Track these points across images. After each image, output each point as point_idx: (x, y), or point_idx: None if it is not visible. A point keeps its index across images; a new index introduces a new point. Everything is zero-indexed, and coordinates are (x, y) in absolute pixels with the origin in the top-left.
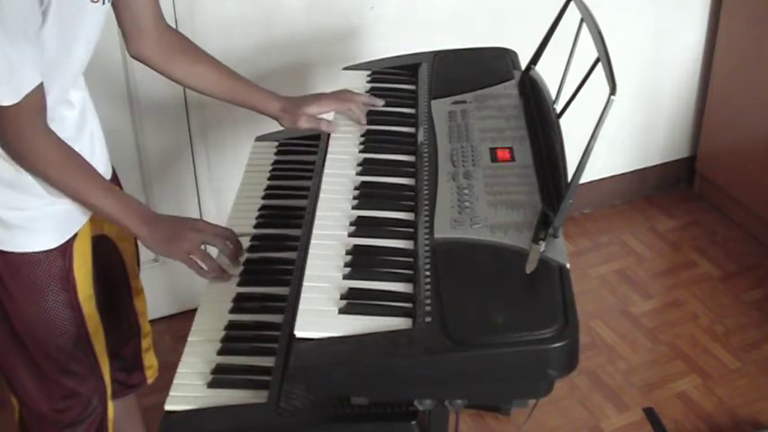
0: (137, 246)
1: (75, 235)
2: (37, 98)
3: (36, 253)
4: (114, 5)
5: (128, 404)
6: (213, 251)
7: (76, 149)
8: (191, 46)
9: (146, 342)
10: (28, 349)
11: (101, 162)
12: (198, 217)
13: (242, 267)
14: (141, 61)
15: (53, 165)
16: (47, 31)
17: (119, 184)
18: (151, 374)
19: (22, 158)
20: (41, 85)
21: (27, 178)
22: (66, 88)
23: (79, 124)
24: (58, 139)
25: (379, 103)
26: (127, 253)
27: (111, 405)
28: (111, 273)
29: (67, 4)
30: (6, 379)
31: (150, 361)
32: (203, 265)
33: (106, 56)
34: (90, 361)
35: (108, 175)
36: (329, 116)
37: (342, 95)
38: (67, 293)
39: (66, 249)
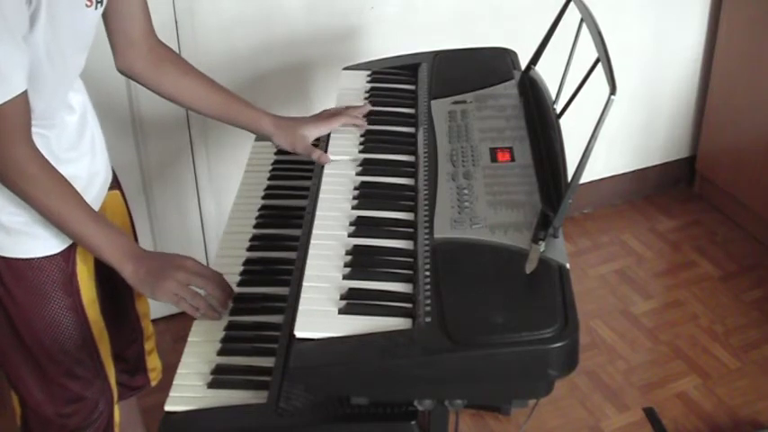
0: None
1: None
2: (21, 107)
3: (39, 258)
4: (104, 17)
5: (128, 405)
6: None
7: (78, 153)
8: (180, 61)
9: (149, 344)
10: (33, 353)
11: (101, 164)
12: (199, 217)
13: (231, 305)
14: (129, 76)
15: (35, 183)
16: (37, 35)
17: (119, 186)
18: (155, 377)
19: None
20: (26, 94)
21: None
22: (66, 92)
23: (80, 128)
24: (43, 158)
25: (367, 107)
26: None
27: (117, 409)
28: (112, 276)
29: (60, 7)
30: (11, 383)
31: (154, 363)
32: (193, 303)
33: (106, 57)
34: (95, 365)
35: (108, 178)
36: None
37: (335, 114)
38: (71, 298)
39: (68, 254)
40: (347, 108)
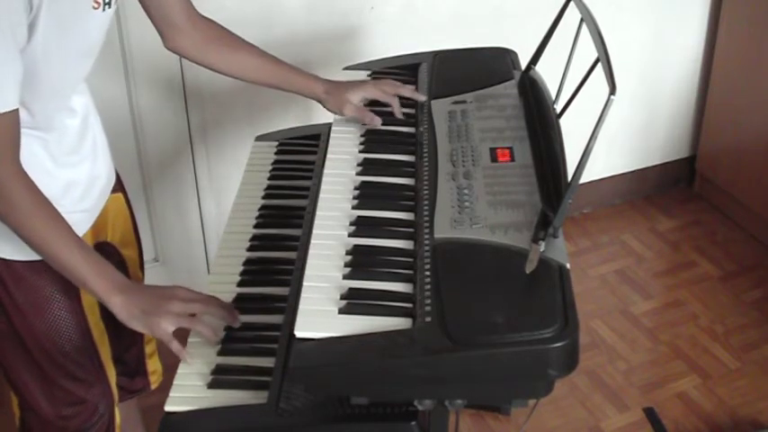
0: (140, 253)
1: None
2: (9, 124)
3: (39, 261)
4: (143, 5)
5: (128, 407)
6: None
7: (79, 157)
8: (227, 34)
9: (149, 348)
10: (33, 356)
11: (103, 167)
12: (199, 217)
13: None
14: (179, 54)
15: (18, 204)
16: (36, 41)
17: (122, 188)
18: (155, 380)
19: None
20: (16, 112)
21: None
22: (68, 96)
23: (81, 131)
24: (29, 180)
25: (421, 99)
26: (130, 260)
27: (117, 412)
28: None
29: (61, 14)
30: (12, 385)
31: (154, 366)
32: (196, 329)
33: (104, 56)
34: (96, 368)
35: (111, 181)
36: None
37: (385, 87)
38: (71, 301)
39: None
40: (399, 86)
